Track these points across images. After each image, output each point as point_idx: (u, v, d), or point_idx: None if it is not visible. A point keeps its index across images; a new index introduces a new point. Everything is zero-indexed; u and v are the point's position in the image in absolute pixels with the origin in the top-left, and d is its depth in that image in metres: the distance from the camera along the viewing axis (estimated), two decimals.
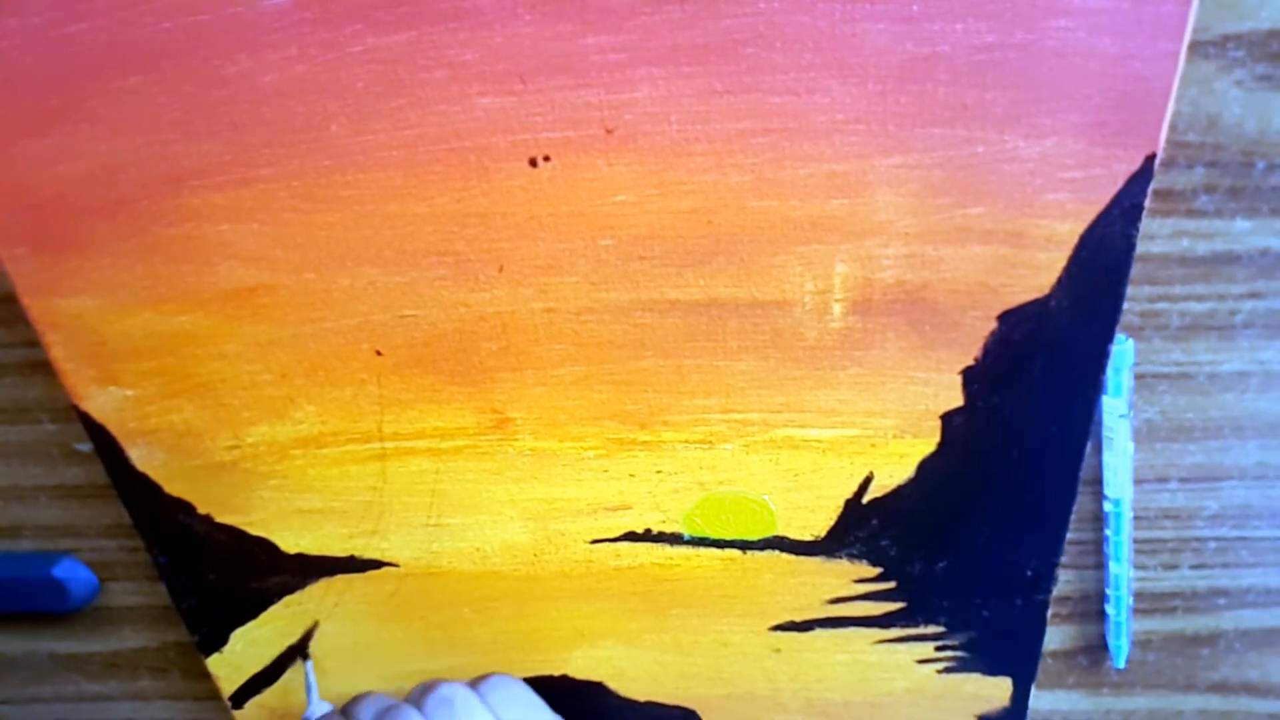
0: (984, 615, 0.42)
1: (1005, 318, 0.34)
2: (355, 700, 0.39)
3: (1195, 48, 0.31)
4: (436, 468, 0.40)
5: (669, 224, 0.33)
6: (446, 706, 0.37)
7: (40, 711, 0.52)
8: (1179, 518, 0.41)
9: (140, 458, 0.40)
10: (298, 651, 0.45)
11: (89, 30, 0.31)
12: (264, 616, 0.44)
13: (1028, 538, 0.39)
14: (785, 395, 0.37)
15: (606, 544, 0.41)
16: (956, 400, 0.36)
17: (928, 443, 0.37)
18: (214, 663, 0.46)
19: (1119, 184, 0.31)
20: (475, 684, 0.40)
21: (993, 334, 0.35)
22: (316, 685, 0.43)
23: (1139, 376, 0.37)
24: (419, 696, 0.38)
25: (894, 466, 0.38)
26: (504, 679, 0.41)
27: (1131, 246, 0.32)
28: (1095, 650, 0.44)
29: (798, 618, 0.43)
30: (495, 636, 0.44)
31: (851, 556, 0.41)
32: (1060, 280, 0.33)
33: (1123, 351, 0.36)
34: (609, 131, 0.32)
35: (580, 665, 0.45)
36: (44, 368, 0.39)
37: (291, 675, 0.46)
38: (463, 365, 0.37)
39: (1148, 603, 0.43)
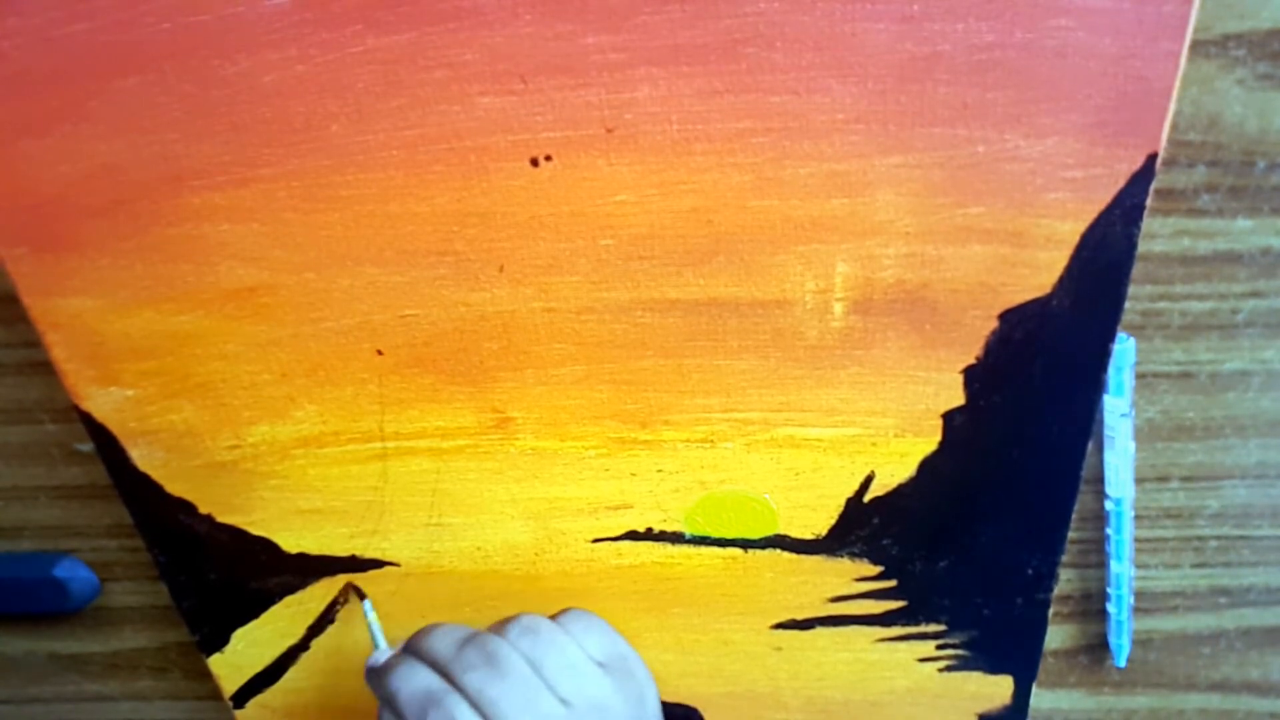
0: (985, 614, 0.42)
1: (1006, 317, 0.34)
2: (422, 635, 0.38)
3: (1196, 47, 0.31)
4: (437, 467, 0.40)
5: (669, 223, 0.33)
6: (531, 634, 0.36)
7: (40, 711, 0.52)
8: (1180, 517, 0.41)
9: (141, 458, 0.40)
10: (353, 590, 0.43)
11: (89, 30, 0.31)
12: (265, 616, 0.44)
13: (1029, 536, 0.39)
14: (786, 394, 0.37)
15: (608, 543, 0.41)
16: (957, 399, 0.36)
17: (929, 442, 0.37)
18: (215, 662, 0.46)
19: (1120, 183, 0.31)
20: (554, 617, 0.39)
21: (993, 333, 0.35)
22: (380, 628, 0.41)
23: (1140, 375, 0.37)
24: (500, 627, 0.37)
25: (895, 465, 0.38)
26: (582, 612, 0.40)
27: (1133, 246, 0.32)
28: (1096, 649, 0.44)
29: (799, 616, 0.43)
30: None
31: (853, 555, 0.41)
32: (1061, 279, 0.33)
33: (1124, 350, 0.36)
34: (609, 131, 0.32)
35: None
36: (44, 368, 0.39)
37: (293, 672, 0.46)
38: (463, 365, 0.37)
39: (1149, 602, 0.43)
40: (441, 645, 0.37)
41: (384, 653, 0.40)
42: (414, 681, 0.35)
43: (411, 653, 0.37)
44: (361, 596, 0.43)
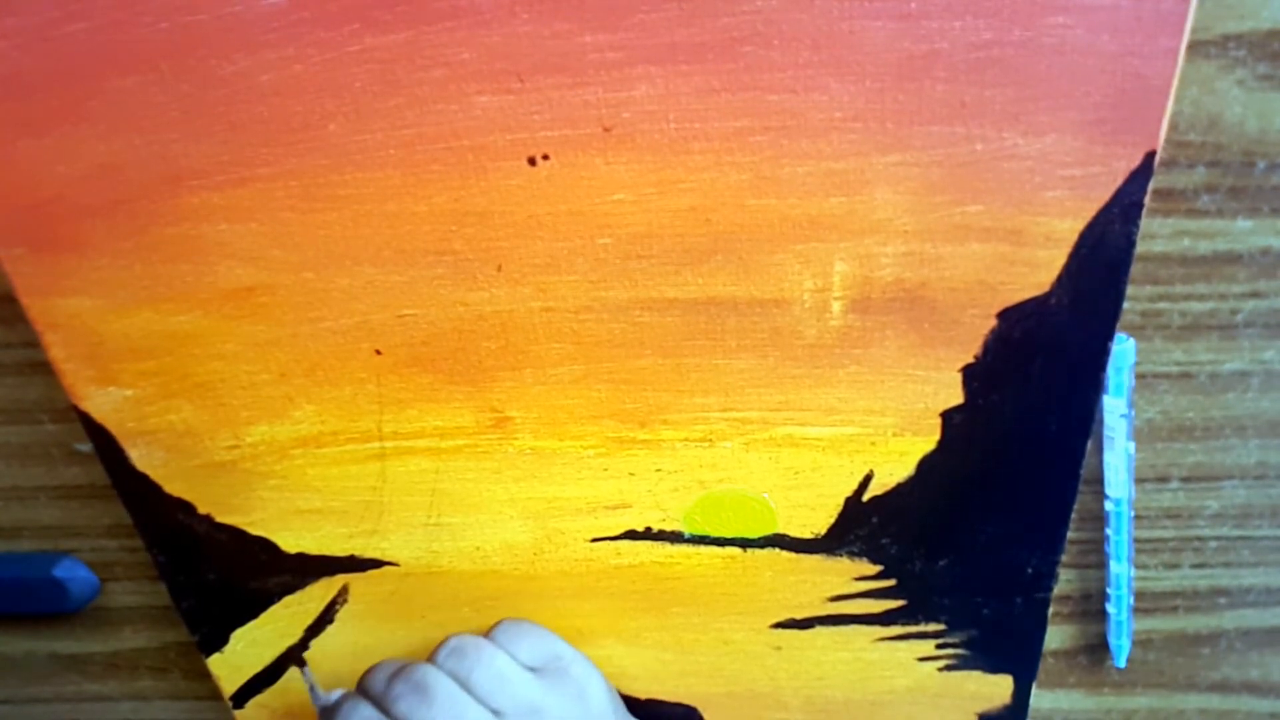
0: (985, 613, 0.42)
1: (1005, 315, 0.34)
2: (368, 672, 0.39)
3: (1196, 47, 0.31)
4: (436, 467, 0.40)
5: (667, 222, 0.33)
6: (458, 654, 0.38)
7: (40, 711, 0.52)
8: (1180, 517, 0.41)
9: (140, 458, 0.40)
10: (294, 660, 0.45)
11: (87, 30, 0.31)
12: (264, 616, 0.44)
13: (1028, 536, 0.39)
14: (785, 393, 0.37)
15: (606, 542, 0.41)
16: (956, 398, 0.36)
17: (928, 440, 0.37)
18: (214, 663, 0.46)
19: (1118, 181, 0.31)
20: (486, 631, 0.40)
21: (992, 332, 0.35)
22: (318, 684, 0.43)
23: (1140, 376, 0.37)
24: (432, 653, 0.39)
25: (894, 464, 0.38)
26: (513, 620, 0.41)
27: (1131, 244, 0.32)
28: (1096, 649, 0.44)
29: (798, 615, 0.43)
30: None
31: (852, 554, 0.41)
32: (1060, 278, 0.33)
33: (1124, 351, 0.36)
34: (607, 130, 0.32)
35: None
36: (44, 368, 0.39)
37: (291, 676, 0.46)
38: (462, 364, 0.37)
39: (1149, 602, 0.43)
40: (376, 680, 0.38)
41: (333, 694, 0.41)
42: (354, 717, 0.37)
43: (357, 690, 0.39)
44: (301, 664, 0.45)
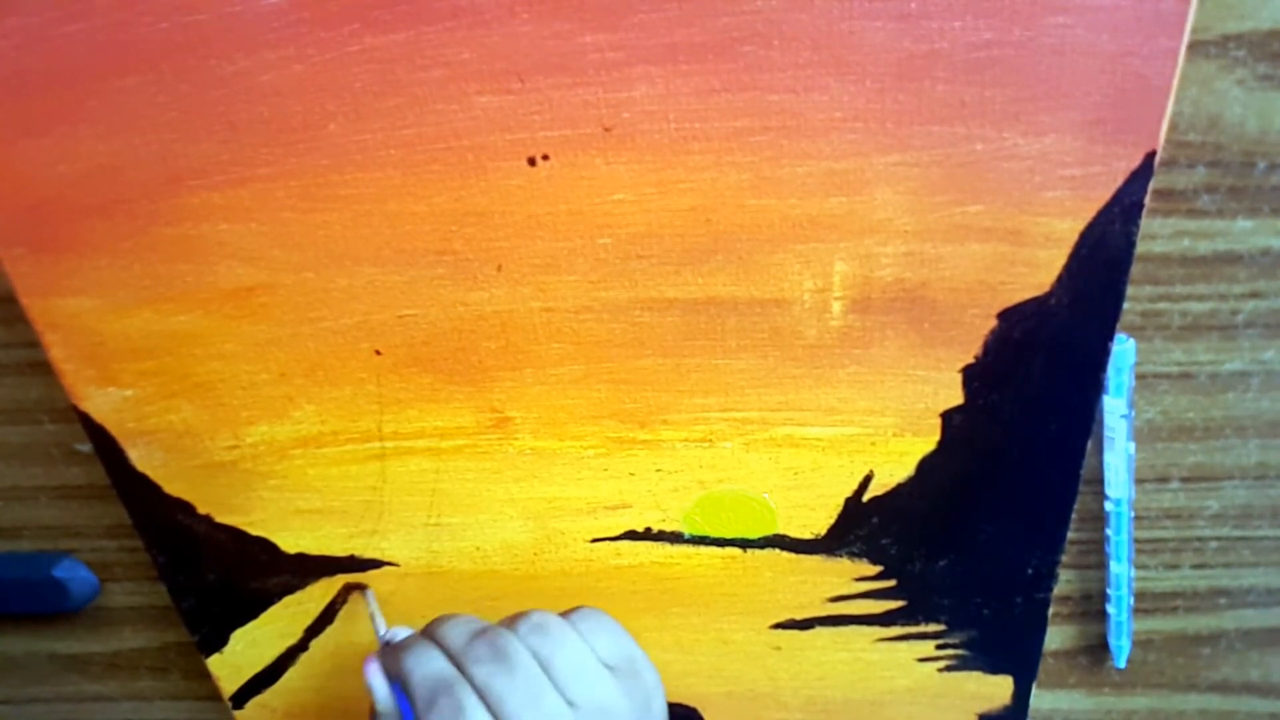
0: (985, 614, 0.42)
1: (1005, 316, 0.34)
2: (438, 622, 0.38)
3: (1196, 47, 0.31)
4: (436, 467, 0.40)
5: (667, 222, 0.33)
6: (540, 632, 0.36)
7: (40, 711, 0.52)
8: (1180, 517, 0.41)
9: (140, 458, 0.40)
10: (353, 587, 0.44)
11: (87, 30, 0.31)
12: (264, 616, 0.44)
13: (1028, 536, 0.39)
14: (785, 393, 0.37)
15: (607, 543, 0.41)
16: (956, 398, 0.36)
17: (928, 441, 0.37)
18: (214, 663, 0.46)
19: (1118, 181, 0.31)
20: (565, 614, 0.39)
21: (992, 332, 0.35)
22: (380, 613, 0.42)
23: (1140, 376, 0.37)
24: (510, 622, 0.37)
25: (894, 465, 0.38)
26: (593, 611, 0.40)
27: (1131, 244, 0.32)
28: (1096, 650, 0.44)
29: (798, 616, 0.43)
30: None
31: (852, 555, 0.41)
32: (1060, 278, 0.33)
33: (1124, 351, 0.36)
34: (607, 130, 0.32)
35: None
36: (44, 368, 0.39)
37: (292, 673, 0.46)
38: (462, 364, 0.37)
39: (1149, 602, 0.43)
40: (454, 634, 0.37)
41: (398, 631, 0.40)
42: (427, 665, 0.36)
43: (427, 637, 0.37)
44: (363, 588, 0.43)
